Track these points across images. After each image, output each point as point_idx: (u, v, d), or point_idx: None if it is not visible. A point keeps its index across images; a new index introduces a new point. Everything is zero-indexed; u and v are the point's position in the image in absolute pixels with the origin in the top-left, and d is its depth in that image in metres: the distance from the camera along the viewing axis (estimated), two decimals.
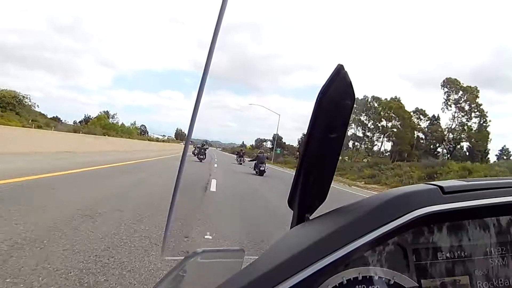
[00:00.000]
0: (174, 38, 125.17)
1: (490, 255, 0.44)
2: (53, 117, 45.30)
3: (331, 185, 0.50)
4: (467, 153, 37.32)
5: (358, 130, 45.04)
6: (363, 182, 24.55)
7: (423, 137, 42.93)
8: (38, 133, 18.05)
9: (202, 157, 22.12)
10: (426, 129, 42.43)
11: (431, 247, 0.43)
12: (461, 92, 37.55)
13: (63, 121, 45.01)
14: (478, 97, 36.91)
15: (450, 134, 39.42)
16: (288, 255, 0.40)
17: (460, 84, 37.46)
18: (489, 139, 36.89)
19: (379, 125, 44.02)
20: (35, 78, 73.40)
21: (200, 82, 0.51)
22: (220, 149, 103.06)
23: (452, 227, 0.44)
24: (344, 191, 14.64)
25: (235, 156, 30.08)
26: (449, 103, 38.40)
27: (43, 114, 39.59)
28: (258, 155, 18.99)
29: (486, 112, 37.05)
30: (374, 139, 45.17)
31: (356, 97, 0.46)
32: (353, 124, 43.40)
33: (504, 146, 39.34)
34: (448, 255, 0.43)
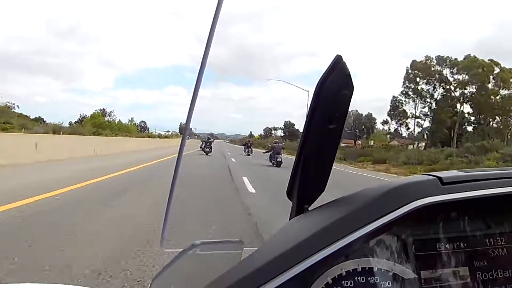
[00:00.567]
0: (173, 33, 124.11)
1: (489, 246, 0.44)
2: (36, 117, 41.97)
3: None
4: None
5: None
6: None
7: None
8: None
9: (207, 150, 21.91)
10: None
11: (430, 238, 0.43)
12: None
13: (48, 122, 38.94)
14: None
15: None
16: (287, 247, 0.40)
17: None
18: None
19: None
20: (37, 84, 73.68)
21: (197, 76, 0.51)
22: (228, 141, 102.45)
23: (451, 218, 0.44)
24: None
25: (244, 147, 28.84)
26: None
27: (25, 116, 36.35)
28: (273, 145, 17.71)
29: None
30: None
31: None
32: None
33: None
34: (447, 246, 0.43)
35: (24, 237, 3.23)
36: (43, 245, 3.08)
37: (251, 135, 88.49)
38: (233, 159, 19.36)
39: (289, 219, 0.51)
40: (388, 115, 40.70)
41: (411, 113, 38.79)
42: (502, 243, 0.44)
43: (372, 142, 44.66)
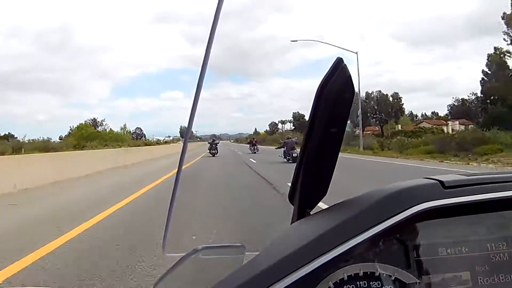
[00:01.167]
0: (162, 38, 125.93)
1: (491, 250, 0.44)
2: (5, 134, 40.83)
3: None
4: None
5: None
6: None
7: None
8: None
9: (214, 151, 22.05)
10: None
11: (432, 243, 0.43)
12: None
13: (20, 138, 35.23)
14: None
15: None
16: (289, 251, 0.40)
17: None
18: None
19: None
20: (36, 102, 74.57)
21: (199, 78, 0.51)
22: (233, 140, 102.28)
23: (453, 222, 0.44)
24: None
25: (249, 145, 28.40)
26: None
27: None
28: (286, 141, 17.01)
29: None
30: None
31: None
32: None
33: None
34: (449, 250, 0.43)
35: None
36: None
37: (256, 132, 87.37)
38: (252, 160, 18.41)
39: (291, 223, 0.51)
40: None
41: None
42: (504, 248, 0.44)
43: (400, 127, 41.61)
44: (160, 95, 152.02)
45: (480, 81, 32.57)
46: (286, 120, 78.09)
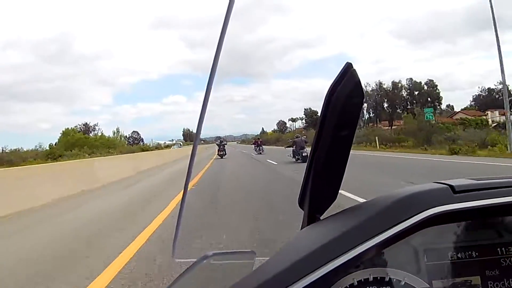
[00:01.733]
0: (162, 43, 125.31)
1: (501, 255, 0.44)
2: None
3: None
4: None
5: None
6: None
7: None
8: None
9: (222, 153, 22.16)
10: None
11: (442, 248, 0.43)
12: None
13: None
14: None
15: None
16: (299, 257, 0.40)
17: None
18: None
19: None
20: (39, 111, 73.97)
21: (208, 81, 0.51)
22: (239, 142, 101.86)
23: (463, 226, 0.44)
24: None
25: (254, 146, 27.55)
26: None
27: None
28: (295, 140, 16.28)
29: None
30: None
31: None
32: None
33: None
34: (459, 255, 0.43)
35: None
36: None
37: (263, 132, 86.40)
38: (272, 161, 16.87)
39: (301, 228, 0.51)
40: None
41: None
42: None
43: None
44: (163, 100, 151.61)
45: None
46: (297, 117, 75.93)
